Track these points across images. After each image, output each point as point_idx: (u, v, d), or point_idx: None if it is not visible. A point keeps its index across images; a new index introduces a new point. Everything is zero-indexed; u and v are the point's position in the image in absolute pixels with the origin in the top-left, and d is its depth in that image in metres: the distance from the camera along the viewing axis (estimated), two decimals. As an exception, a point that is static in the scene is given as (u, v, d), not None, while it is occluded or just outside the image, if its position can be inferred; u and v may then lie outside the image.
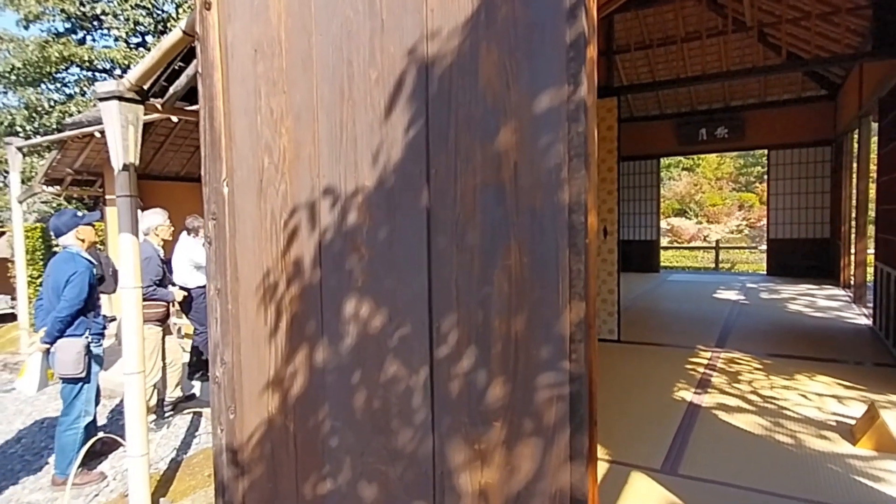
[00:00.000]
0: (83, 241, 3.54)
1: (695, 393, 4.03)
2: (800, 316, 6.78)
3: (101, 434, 3.54)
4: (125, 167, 2.89)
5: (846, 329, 6.01)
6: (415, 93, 1.72)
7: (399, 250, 1.78)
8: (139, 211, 3.08)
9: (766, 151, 11.79)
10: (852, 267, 8.34)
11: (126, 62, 12.81)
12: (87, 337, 3.42)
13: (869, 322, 6.21)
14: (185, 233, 5.12)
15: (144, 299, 4.04)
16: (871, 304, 6.73)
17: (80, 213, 3.62)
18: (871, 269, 8.01)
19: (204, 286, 5.13)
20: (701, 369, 4.61)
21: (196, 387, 5.02)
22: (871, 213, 7.90)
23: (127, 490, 3.17)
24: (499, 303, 1.62)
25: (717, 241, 15.21)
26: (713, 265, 14.44)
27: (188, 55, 2.93)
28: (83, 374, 3.38)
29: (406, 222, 1.76)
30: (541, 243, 1.54)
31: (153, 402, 4.25)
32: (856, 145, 8.17)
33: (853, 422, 3.34)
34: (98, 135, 6.48)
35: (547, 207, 1.52)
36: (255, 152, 2.08)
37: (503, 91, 1.57)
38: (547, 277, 1.54)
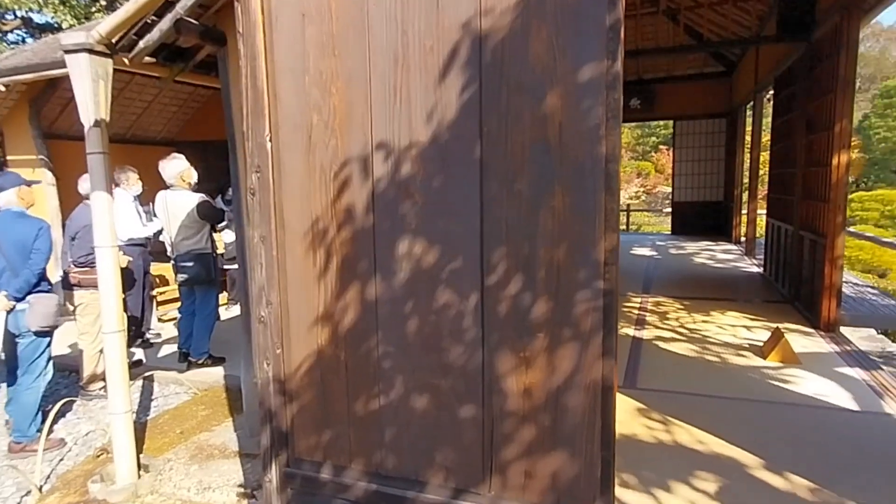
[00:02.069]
0: (24, 200, 3.46)
1: (635, 329, 4.72)
2: (705, 267, 7.82)
3: (65, 399, 3.55)
4: (96, 123, 2.90)
5: (743, 276, 7.08)
6: (469, 61, 2.02)
7: (453, 196, 2.10)
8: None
9: (669, 122, 12.94)
10: (743, 225, 9.63)
11: (14, 6, 11.46)
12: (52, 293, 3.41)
13: (760, 270, 7.33)
14: (116, 189, 4.90)
15: (88, 265, 3.99)
16: (759, 257, 7.91)
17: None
18: (760, 227, 9.31)
19: (139, 244, 4.98)
20: (636, 311, 5.34)
21: (139, 353, 4.97)
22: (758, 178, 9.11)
23: (96, 452, 3.25)
24: (544, 236, 2.00)
25: (628, 205, 16.58)
26: (623, 227, 15.79)
27: (161, 9, 2.97)
28: (55, 328, 3.38)
29: (460, 172, 2.08)
30: (581, 188, 1.93)
31: (101, 369, 4.12)
32: (750, 118, 9.33)
33: (762, 343, 4.13)
34: (2, 88, 5.97)
35: (587, 158, 1.91)
36: (304, 110, 2.28)
37: (550, 63, 1.92)
38: (586, 215, 1.94)
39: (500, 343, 2.10)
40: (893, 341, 6.61)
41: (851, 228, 8.28)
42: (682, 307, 5.45)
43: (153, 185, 4.94)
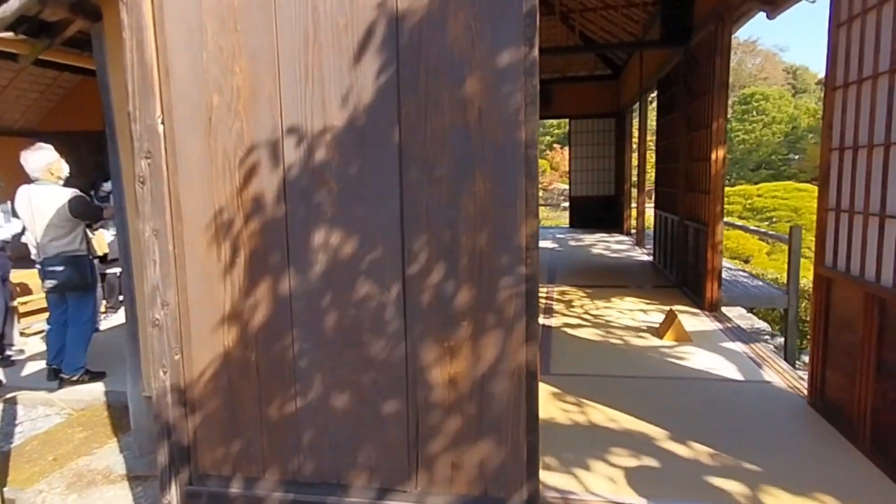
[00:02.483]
0: None
1: (544, 317, 4.87)
2: (602, 257, 8.31)
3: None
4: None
5: (636, 264, 7.60)
6: (385, 42, 1.93)
7: (371, 183, 2.01)
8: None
9: (563, 123, 13.58)
10: (634, 218, 10.35)
11: None
12: None
13: (650, 258, 7.91)
14: None
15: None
16: (648, 246, 8.55)
17: None
18: (649, 219, 10.05)
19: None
20: (543, 300, 5.52)
21: None
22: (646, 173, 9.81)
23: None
24: (465, 223, 1.97)
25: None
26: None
27: (21, -26, 2.61)
28: None
29: (377, 157, 1.99)
30: (502, 173, 1.92)
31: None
32: (636, 117, 10.05)
33: (657, 324, 4.44)
34: None
35: (508, 144, 1.91)
36: (202, 90, 2.07)
37: (469, 48, 1.89)
38: (507, 200, 1.93)
39: (423, 334, 2.04)
40: (759, 318, 7.45)
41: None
42: (584, 295, 5.73)
43: (12, 180, 4.32)
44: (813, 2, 4.53)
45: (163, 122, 2.11)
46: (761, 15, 5.33)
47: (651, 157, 9.92)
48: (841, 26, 2.70)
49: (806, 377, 3.11)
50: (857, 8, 2.57)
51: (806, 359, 3.94)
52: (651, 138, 10.77)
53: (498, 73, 1.88)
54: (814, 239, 2.91)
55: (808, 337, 6.67)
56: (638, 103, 9.53)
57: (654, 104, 8.18)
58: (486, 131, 1.92)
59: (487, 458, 2.04)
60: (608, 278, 6.64)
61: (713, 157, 4.79)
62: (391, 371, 2.08)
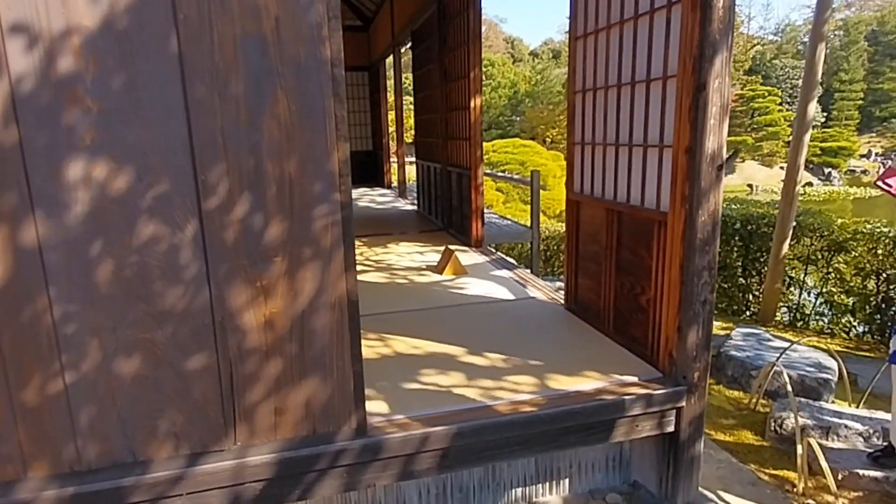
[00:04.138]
0: None
1: (328, 266, 4.80)
2: (370, 209, 8.50)
3: None
4: None
5: (403, 213, 7.99)
6: (149, -76, 1.58)
7: (145, 101, 1.66)
8: None
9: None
10: (395, 172, 10.76)
11: None
12: None
13: (414, 208, 8.39)
14: None
15: None
16: (411, 197, 9.03)
17: None
18: (409, 171, 10.57)
19: None
20: (322, 251, 5.42)
21: None
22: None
23: None
24: (270, 148, 1.79)
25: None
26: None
27: None
28: None
29: (151, 70, 1.65)
30: (307, 92, 1.79)
31: None
32: (390, 70, 10.30)
33: (436, 263, 4.77)
34: None
35: (311, 60, 1.77)
36: None
37: (259, -56, 1.67)
38: (315, 123, 1.81)
39: (230, 274, 1.83)
40: (506, 255, 8.63)
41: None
42: (361, 244, 5.81)
43: None
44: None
45: None
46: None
47: (409, 112, 10.34)
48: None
49: (560, 292, 3.74)
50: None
51: (548, 284, 4.71)
52: (409, 93, 11.19)
53: (295, -21, 1.71)
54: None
55: (548, 263, 7.93)
56: (392, 56, 9.77)
57: (409, 57, 8.49)
58: (285, 45, 1.74)
59: (314, 395, 1.97)
60: (379, 227, 6.84)
61: (472, 104, 5.24)
62: (193, 321, 1.82)
